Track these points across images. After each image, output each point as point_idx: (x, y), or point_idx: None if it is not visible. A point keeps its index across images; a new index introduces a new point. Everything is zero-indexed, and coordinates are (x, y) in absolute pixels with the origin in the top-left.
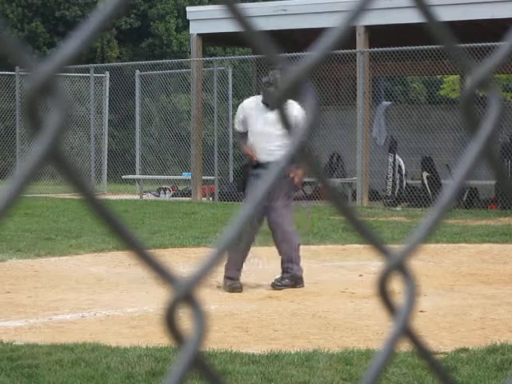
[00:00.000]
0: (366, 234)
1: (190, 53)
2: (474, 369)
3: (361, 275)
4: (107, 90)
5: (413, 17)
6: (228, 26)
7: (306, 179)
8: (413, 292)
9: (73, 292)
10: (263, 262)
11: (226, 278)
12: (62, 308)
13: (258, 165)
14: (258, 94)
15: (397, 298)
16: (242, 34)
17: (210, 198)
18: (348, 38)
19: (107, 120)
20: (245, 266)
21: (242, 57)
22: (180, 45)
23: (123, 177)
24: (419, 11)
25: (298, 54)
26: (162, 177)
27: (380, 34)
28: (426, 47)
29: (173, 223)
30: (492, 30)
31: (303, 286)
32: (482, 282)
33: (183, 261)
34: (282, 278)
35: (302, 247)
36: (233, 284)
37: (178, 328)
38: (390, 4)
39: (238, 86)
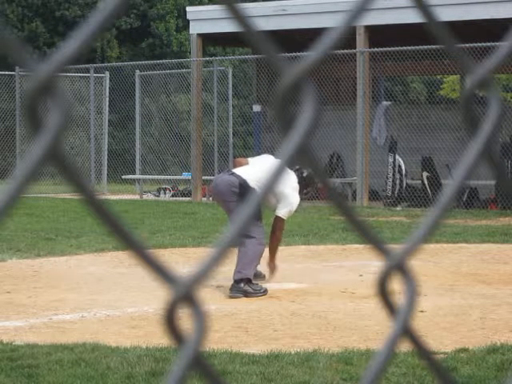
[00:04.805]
0: (366, 234)
1: (190, 53)
2: (474, 369)
3: (361, 275)
4: (107, 90)
5: (413, 17)
6: (228, 26)
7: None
8: (413, 292)
9: (73, 292)
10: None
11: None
12: (62, 308)
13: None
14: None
15: (397, 298)
16: (241, 34)
17: (210, 198)
18: (348, 38)
19: (107, 120)
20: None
21: (242, 57)
22: (180, 45)
23: (123, 177)
24: (419, 11)
25: (298, 53)
26: (162, 177)
27: (380, 34)
28: (426, 47)
29: (173, 223)
30: (492, 30)
31: (264, 278)
32: (481, 282)
33: (183, 261)
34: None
35: (302, 247)
36: (261, 288)
37: (178, 328)
38: (390, 4)
39: (237, 86)
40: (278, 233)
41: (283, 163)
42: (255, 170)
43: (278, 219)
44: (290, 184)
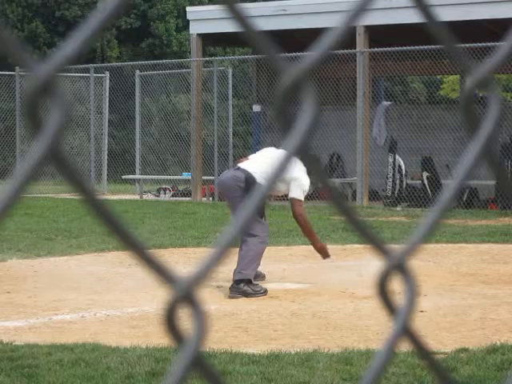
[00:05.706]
0: (366, 234)
1: (189, 53)
2: (474, 369)
3: (361, 275)
4: (107, 90)
5: (413, 17)
6: (228, 26)
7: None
8: (413, 292)
9: (73, 292)
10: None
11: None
12: (61, 308)
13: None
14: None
15: (397, 298)
16: (241, 34)
17: (210, 198)
18: (348, 38)
19: (107, 120)
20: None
21: (242, 57)
22: (180, 45)
23: (123, 177)
24: (419, 11)
25: (298, 54)
26: (162, 177)
27: (380, 34)
28: (426, 47)
29: (173, 223)
30: (492, 30)
31: (264, 278)
32: (481, 282)
33: (183, 261)
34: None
35: (302, 247)
36: (261, 289)
37: (178, 328)
38: (390, 4)
39: (237, 86)
40: (299, 219)
41: (283, 163)
42: (261, 163)
43: (292, 202)
44: (297, 168)
